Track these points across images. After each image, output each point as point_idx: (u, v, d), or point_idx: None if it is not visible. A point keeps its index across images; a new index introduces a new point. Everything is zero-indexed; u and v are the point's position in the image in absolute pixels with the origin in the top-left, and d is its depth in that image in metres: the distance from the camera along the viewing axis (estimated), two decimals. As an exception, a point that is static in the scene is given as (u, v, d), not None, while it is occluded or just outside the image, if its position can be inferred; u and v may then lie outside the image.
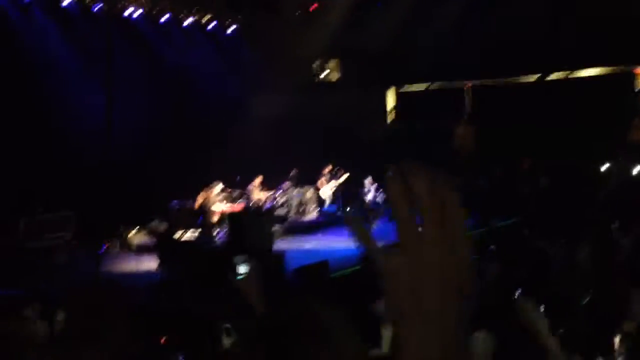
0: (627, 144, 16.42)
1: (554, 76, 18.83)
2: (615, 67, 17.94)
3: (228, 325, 4.51)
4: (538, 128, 17.15)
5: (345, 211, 14.06)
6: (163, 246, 11.93)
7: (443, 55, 18.15)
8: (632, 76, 17.83)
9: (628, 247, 9.77)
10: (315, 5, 18.69)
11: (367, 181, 14.02)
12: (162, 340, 6.80)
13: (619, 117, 16.35)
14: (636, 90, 17.67)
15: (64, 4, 14.63)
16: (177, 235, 13.40)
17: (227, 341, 6.16)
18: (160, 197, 14.39)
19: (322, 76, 20.75)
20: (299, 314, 1.91)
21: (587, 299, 7.09)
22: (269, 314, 1.96)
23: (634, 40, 16.37)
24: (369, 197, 13.90)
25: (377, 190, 14.14)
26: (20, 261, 11.00)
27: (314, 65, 20.58)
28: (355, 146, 18.09)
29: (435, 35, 18.16)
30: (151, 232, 13.95)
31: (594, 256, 9.47)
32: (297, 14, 18.42)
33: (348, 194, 16.62)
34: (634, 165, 16.17)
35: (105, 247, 13.13)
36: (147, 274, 11.01)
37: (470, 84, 19.89)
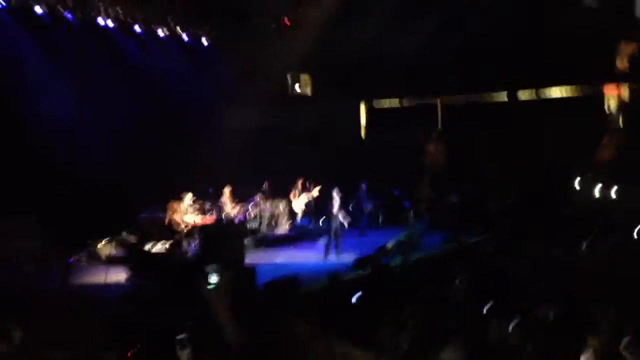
0: (595, 162, 16.76)
1: (524, 95, 19.14)
2: (584, 86, 18.30)
3: (182, 337, 4.48)
4: (508, 145, 17.41)
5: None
6: (133, 258, 11.82)
7: (415, 71, 18.35)
8: (601, 95, 18.21)
9: (593, 264, 9.98)
10: (287, 20, 18.78)
11: (335, 192, 14.06)
12: (130, 354, 6.74)
13: (587, 136, 16.68)
14: (606, 108, 18.02)
15: (38, 12, 14.46)
16: (147, 247, 13.27)
17: (182, 354, 6.10)
18: (131, 209, 14.27)
19: (295, 89, 20.82)
20: (276, 332, 1.95)
21: (554, 315, 7.22)
22: (245, 337, 1.99)
23: (602, 57, 16.76)
24: (335, 208, 13.93)
25: (342, 202, 14.15)
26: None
27: (287, 78, 20.65)
28: (328, 159, 18.16)
29: (407, 51, 18.35)
30: (121, 244, 13.80)
31: (561, 273, 9.65)
32: (272, 26, 18.48)
33: (320, 207, 16.67)
34: (599, 183, 16.50)
35: (73, 258, 12.95)
36: (117, 285, 10.89)
37: (441, 101, 20.13)
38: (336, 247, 13.84)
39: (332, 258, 13.57)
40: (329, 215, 14.14)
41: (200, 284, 9.79)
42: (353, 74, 19.10)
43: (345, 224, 14.29)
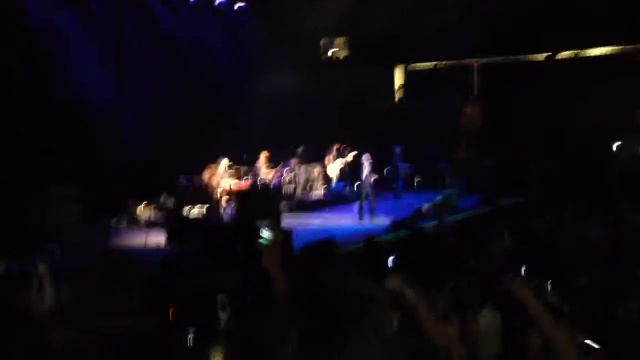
0: (635, 123, 16.34)
1: (563, 55, 18.68)
2: (624, 46, 17.77)
3: (222, 296, 4.55)
4: (547, 107, 17.05)
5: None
6: (171, 221, 12.01)
7: (451, 33, 18.00)
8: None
9: (636, 230, 9.78)
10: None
11: (364, 158, 14.06)
12: (171, 313, 6.89)
13: (629, 97, 16.24)
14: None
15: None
16: (185, 211, 13.47)
17: (223, 315, 6.21)
18: (168, 173, 14.45)
19: (329, 54, 20.66)
20: (338, 288, 1.96)
21: (596, 278, 7.12)
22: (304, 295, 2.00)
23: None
24: (365, 173, 13.93)
25: (373, 167, 14.12)
26: (28, 236, 11.07)
27: (322, 43, 20.49)
28: (362, 124, 18.07)
29: (443, 13, 17.99)
30: (159, 208, 14.02)
31: (604, 235, 9.49)
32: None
33: (354, 172, 16.66)
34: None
35: (113, 223, 13.22)
36: (156, 249, 11.10)
37: (478, 63, 19.77)
38: (370, 211, 13.85)
39: (367, 222, 13.59)
40: (360, 180, 14.16)
41: (238, 246, 9.94)
42: (388, 37, 18.83)
43: (372, 188, 14.15)
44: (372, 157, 14.23)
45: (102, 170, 13.42)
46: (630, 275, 6.76)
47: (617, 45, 17.86)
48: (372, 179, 14.07)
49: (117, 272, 2.89)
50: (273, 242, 2.93)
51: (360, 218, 13.78)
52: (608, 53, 18.10)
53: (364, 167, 14.08)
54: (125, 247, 11.64)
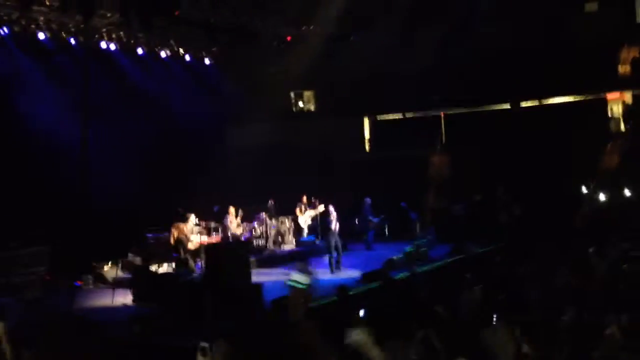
0: (600, 170, 16.66)
1: (526, 104, 19.13)
2: (587, 94, 18.28)
3: (205, 345, 4.42)
4: (512, 155, 17.35)
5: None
6: (139, 279, 11.78)
7: (418, 85, 18.36)
8: (604, 102, 18.17)
9: (604, 272, 9.86)
10: (290, 37, 18.85)
11: (331, 208, 14.14)
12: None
13: (591, 143, 16.61)
14: (608, 116, 17.97)
15: (40, 37, 14.55)
16: (153, 268, 13.24)
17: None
18: (136, 230, 14.25)
19: (299, 106, 20.89)
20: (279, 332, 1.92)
21: (566, 323, 7.12)
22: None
23: (604, 64, 16.74)
24: (332, 224, 13.96)
25: (337, 219, 14.20)
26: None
27: (291, 95, 20.72)
28: (333, 175, 18.14)
29: (410, 66, 18.39)
30: (126, 266, 13.78)
31: (572, 281, 9.54)
32: (274, 44, 18.56)
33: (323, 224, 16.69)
34: (606, 191, 16.39)
35: (79, 282, 12.94)
36: (123, 308, 10.85)
37: (445, 113, 20.13)
38: (337, 262, 13.78)
39: (337, 273, 13.49)
40: (327, 231, 14.15)
41: (208, 302, 9.74)
42: (356, 89, 19.14)
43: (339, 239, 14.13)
44: (336, 208, 14.30)
45: (67, 229, 13.17)
46: (596, 320, 6.77)
47: (579, 93, 18.37)
48: (338, 229, 14.10)
49: (79, 332, 2.80)
50: (306, 286, 2.70)
51: (331, 270, 13.69)
52: (570, 101, 18.59)
53: (331, 217, 14.10)
54: (91, 306, 11.36)
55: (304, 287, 2.45)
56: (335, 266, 13.73)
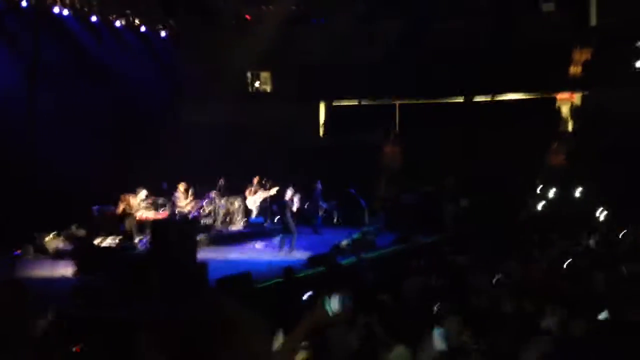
0: (545, 167, 17.09)
1: (479, 98, 19.44)
2: (538, 92, 18.68)
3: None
4: (464, 147, 17.64)
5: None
6: (81, 251, 11.54)
7: (375, 73, 18.44)
8: (554, 101, 18.60)
9: (545, 266, 10.15)
10: (249, 16, 18.65)
11: (289, 190, 14.16)
12: (76, 349, 6.56)
13: (540, 141, 17.00)
14: (558, 115, 18.42)
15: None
16: (97, 241, 12.98)
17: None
18: (81, 203, 13.92)
19: (255, 86, 20.73)
20: (210, 311, 1.88)
21: (506, 313, 7.29)
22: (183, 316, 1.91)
23: (556, 65, 17.12)
24: (289, 206, 13.99)
25: (299, 200, 14.24)
26: None
27: (247, 76, 20.54)
28: (285, 158, 18.10)
29: (368, 53, 18.45)
30: (69, 237, 13.46)
31: (514, 273, 9.78)
32: (232, 22, 18.33)
33: (276, 205, 16.63)
34: (551, 187, 16.83)
35: (19, 252, 12.58)
36: (63, 280, 10.61)
37: (399, 102, 20.29)
38: (290, 244, 13.78)
39: (286, 255, 13.48)
40: (283, 213, 14.10)
41: (152, 278, 9.62)
42: (313, 73, 19.10)
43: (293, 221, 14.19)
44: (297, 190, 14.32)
45: (8, 196, 12.77)
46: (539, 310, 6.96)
47: (530, 91, 18.76)
48: (295, 212, 14.13)
49: (18, 301, 2.71)
50: (338, 316, 2.52)
51: (280, 251, 13.69)
52: (521, 98, 18.98)
53: (288, 198, 14.09)
54: (30, 276, 11.07)
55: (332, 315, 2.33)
56: (289, 249, 13.72)
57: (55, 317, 4.74)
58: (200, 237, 13.88)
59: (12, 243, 12.03)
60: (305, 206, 16.71)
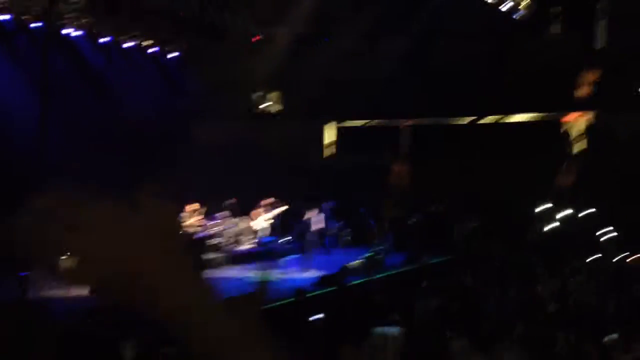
0: (555, 188, 17.06)
1: (488, 119, 19.47)
2: (545, 114, 18.70)
3: (165, 351, 4.38)
4: (472, 168, 17.62)
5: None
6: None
7: (382, 94, 18.50)
8: (561, 122, 18.63)
9: (554, 288, 10.14)
10: (258, 37, 18.80)
11: (313, 211, 14.36)
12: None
13: (549, 162, 17.00)
14: (566, 136, 18.42)
15: (2, 18, 14.20)
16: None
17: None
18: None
19: (262, 107, 20.83)
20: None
21: (517, 336, 7.29)
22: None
23: (563, 86, 17.17)
24: (312, 225, 14.19)
25: (323, 220, 14.48)
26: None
27: (255, 96, 20.64)
28: (294, 178, 18.11)
29: (376, 74, 18.54)
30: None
31: (521, 296, 9.78)
32: (242, 42, 18.47)
33: (285, 225, 16.68)
34: (560, 209, 16.80)
35: (32, 271, 12.59)
36: (79, 299, 10.61)
37: (407, 123, 20.32)
38: (306, 263, 13.91)
39: (300, 274, 13.56)
40: (304, 232, 14.27)
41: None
42: (321, 94, 19.18)
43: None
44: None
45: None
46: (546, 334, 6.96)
47: (538, 112, 18.77)
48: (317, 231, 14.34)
49: (28, 322, 2.73)
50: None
51: (300, 270, 13.89)
52: (529, 119, 19.00)
53: (309, 218, 14.23)
54: (44, 295, 11.08)
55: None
56: (304, 267, 13.87)
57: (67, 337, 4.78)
58: (214, 257, 13.92)
59: (24, 262, 12.04)
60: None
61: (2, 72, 14.48)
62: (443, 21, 18.39)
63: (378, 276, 12.99)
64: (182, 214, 15.07)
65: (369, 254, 14.23)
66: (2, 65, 14.56)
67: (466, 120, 19.61)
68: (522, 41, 18.20)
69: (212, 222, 15.71)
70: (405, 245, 16.01)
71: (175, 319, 0.96)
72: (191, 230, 15.02)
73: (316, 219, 14.35)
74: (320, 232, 14.36)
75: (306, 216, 14.28)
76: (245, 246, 16.48)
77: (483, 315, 8.46)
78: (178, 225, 1.07)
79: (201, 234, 15.21)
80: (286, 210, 16.38)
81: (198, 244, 14.17)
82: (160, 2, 15.83)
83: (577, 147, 18.34)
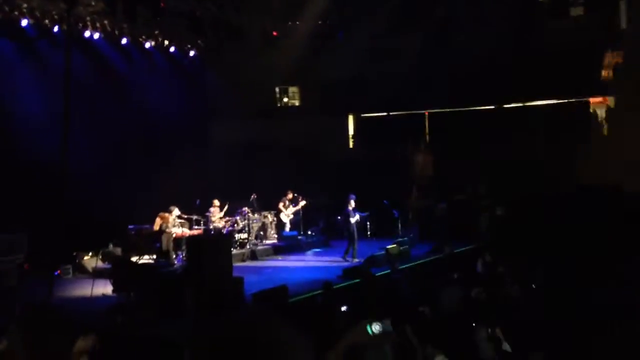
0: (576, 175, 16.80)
1: (510, 104, 19.22)
2: (570, 98, 18.41)
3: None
4: (497, 154, 17.42)
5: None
6: (118, 270, 11.68)
7: (404, 84, 18.37)
8: (587, 105, 18.32)
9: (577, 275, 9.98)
10: (276, 33, 18.79)
11: (352, 201, 14.55)
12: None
13: (574, 144, 16.74)
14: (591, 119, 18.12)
15: (23, 24, 14.33)
16: (133, 259, 13.14)
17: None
18: (118, 222, 14.11)
19: (283, 101, 20.86)
20: (253, 327, 1.88)
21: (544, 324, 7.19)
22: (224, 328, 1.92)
23: (588, 69, 16.87)
24: (352, 214, 14.53)
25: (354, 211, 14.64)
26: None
27: (276, 91, 20.67)
28: (316, 171, 18.11)
29: (396, 64, 18.40)
30: (107, 257, 13.66)
31: (547, 283, 9.64)
32: (259, 39, 18.48)
33: (308, 219, 16.71)
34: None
35: (58, 272, 12.80)
36: (103, 298, 10.76)
37: (428, 111, 20.17)
38: (352, 253, 14.38)
39: (348, 262, 13.88)
40: (346, 222, 14.62)
41: (188, 295, 9.69)
42: (341, 87, 19.12)
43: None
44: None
45: (48, 218, 13.00)
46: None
47: (562, 97, 18.47)
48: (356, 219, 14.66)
49: (52, 322, 2.74)
50: (377, 338, 2.48)
51: (345, 259, 14.27)
52: (553, 103, 18.71)
53: (350, 206, 14.56)
54: (70, 296, 11.25)
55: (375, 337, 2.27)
56: (351, 254, 14.29)
57: (94, 337, 4.81)
58: (235, 252, 13.98)
59: (52, 263, 12.22)
60: (338, 218, 16.74)
61: (25, 76, 14.64)
62: (463, 6, 18.18)
63: (403, 266, 12.93)
64: (210, 209, 15.20)
65: (393, 245, 14.16)
66: (25, 70, 14.72)
67: (489, 106, 19.39)
68: (544, 24, 17.90)
69: (237, 217, 15.81)
70: (430, 235, 15.91)
71: None
72: (218, 225, 15.13)
73: (354, 208, 14.61)
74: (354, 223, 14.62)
75: (349, 206, 14.53)
76: (270, 240, 16.57)
77: (510, 303, 8.36)
78: None
79: (228, 229, 15.31)
80: (308, 204, 16.40)
81: (226, 239, 14.26)
82: (177, 3, 15.88)
83: (606, 129, 17.98)
